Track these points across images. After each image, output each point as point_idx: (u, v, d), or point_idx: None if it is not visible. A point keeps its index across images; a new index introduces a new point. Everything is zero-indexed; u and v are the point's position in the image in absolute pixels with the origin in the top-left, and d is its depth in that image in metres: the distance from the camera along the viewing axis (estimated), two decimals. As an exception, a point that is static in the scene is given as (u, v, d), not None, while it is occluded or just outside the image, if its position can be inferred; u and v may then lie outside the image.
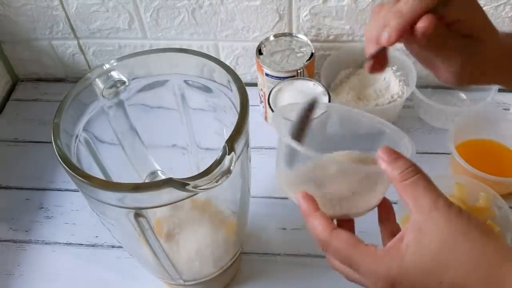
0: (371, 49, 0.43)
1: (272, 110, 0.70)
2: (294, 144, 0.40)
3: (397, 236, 0.39)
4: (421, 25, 0.40)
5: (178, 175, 0.42)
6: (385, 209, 0.45)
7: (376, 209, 0.45)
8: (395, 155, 0.39)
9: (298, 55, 0.76)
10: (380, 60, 0.45)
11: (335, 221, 0.45)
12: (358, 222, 0.46)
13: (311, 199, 0.42)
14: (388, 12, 0.41)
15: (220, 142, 0.44)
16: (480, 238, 0.37)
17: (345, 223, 0.46)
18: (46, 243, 0.71)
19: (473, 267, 0.36)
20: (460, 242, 0.36)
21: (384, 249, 0.39)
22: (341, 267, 0.42)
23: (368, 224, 0.45)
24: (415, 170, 0.39)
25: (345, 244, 0.40)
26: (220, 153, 0.43)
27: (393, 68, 0.80)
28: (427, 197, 0.38)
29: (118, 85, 0.55)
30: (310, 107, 0.44)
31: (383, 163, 0.39)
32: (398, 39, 0.41)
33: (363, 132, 0.48)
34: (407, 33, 0.40)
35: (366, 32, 0.44)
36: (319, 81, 0.73)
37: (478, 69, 0.45)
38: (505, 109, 0.82)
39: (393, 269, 0.38)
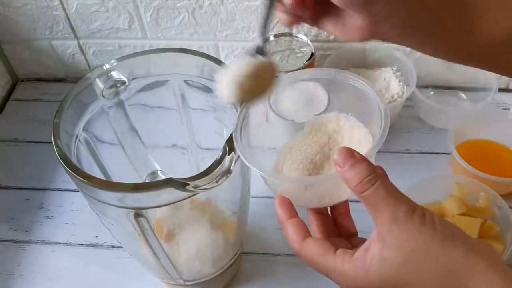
0: None
1: (273, 110, 0.70)
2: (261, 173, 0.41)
3: (364, 245, 0.38)
4: None
5: (178, 175, 0.42)
6: None
7: None
8: (352, 160, 0.37)
9: (298, 55, 0.76)
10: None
11: (329, 209, 0.46)
12: (358, 221, 0.46)
13: (286, 204, 0.42)
14: None
15: (220, 142, 0.44)
16: (444, 249, 0.35)
17: (340, 215, 0.46)
18: (46, 243, 0.71)
19: (438, 282, 0.35)
20: (422, 257, 0.35)
21: (351, 260, 0.38)
22: (312, 259, 0.42)
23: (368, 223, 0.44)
24: (374, 178, 0.36)
25: (314, 254, 0.40)
26: (220, 153, 0.43)
27: (393, 68, 0.80)
28: (387, 208, 0.36)
29: (118, 85, 0.55)
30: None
31: (340, 170, 0.37)
32: None
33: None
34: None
35: None
36: (319, 81, 0.73)
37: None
38: (505, 109, 0.82)
39: (359, 280, 0.37)
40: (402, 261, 0.35)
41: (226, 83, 0.41)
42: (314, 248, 0.40)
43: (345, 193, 0.43)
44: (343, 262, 0.38)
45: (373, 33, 0.38)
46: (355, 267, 0.37)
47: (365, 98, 0.44)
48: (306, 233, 0.41)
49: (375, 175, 0.36)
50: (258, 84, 0.42)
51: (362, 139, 0.45)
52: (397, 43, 0.39)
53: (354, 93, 0.45)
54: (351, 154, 0.37)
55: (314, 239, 0.41)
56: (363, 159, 0.37)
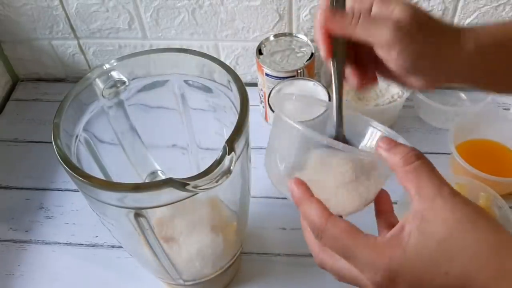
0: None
1: (272, 110, 0.70)
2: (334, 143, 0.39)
3: (397, 225, 0.36)
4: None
5: (178, 175, 0.42)
6: (382, 200, 0.43)
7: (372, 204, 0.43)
8: (395, 143, 0.38)
9: (298, 55, 0.76)
10: (363, 73, 0.45)
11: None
12: (357, 219, 0.46)
13: (304, 184, 0.40)
14: None
15: (220, 142, 0.44)
16: (488, 228, 0.34)
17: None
18: (46, 243, 0.71)
19: (481, 258, 0.34)
20: (467, 231, 0.34)
21: (384, 239, 0.36)
22: (333, 264, 0.40)
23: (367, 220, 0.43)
24: (418, 156, 0.37)
25: (342, 232, 0.37)
26: (220, 153, 0.43)
27: (393, 68, 0.80)
28: (430, 183, 0.35)
29: (118, 85, 0.55)
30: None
31: (383, 151, 0.38)
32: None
33: (360, 133, 0.47)
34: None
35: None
36: (319, 81, 0.73)
37: (440, 71, 0.44)
38: (505, 109, 0.82)
39: (395, 259, 0.35)
40: (445, 234, 0.34)
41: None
42: (343, 225, 0.37)
43: (360, 203, 0.42)
44: (376, 240, 0.36)
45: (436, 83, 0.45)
46: (390, 245, 0.36)
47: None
48: (330, 212, 0.38)
49: (419, 154, 0.37)
50: None
51: None
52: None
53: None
54: (392, 139, 0.39)
55: (342, 219, 0.38)
56: (403, 143, 0.38)
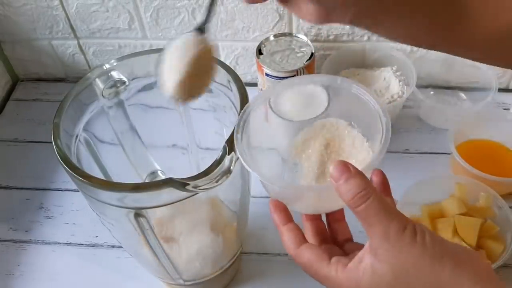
0: None
1: (272, 110, 0.70)
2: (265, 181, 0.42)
3: (358, 255, 0.38)
4: None
5: (178, 175, 0.42)
6: None
7: None
8: (346, 175, 0.37)
9: (298, 55, 0.76)
10: None
11: (323, 216, 0.46)
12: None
13: (281, 209, 0.43)
14: None
15: (220, 142, 0.44)
16: (432, 268, 0.35)
17: (335, 221, 0.45)
18: (46, 243, 0.71)
19: None
20: (411, 275, 0.36)
21: (344, 271, 0.38)
22: (308, 264, 0.42)
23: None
24: (367, 194, 0.36)
25: (308, 262, 0.40)
26: (220, 153, 0.43)
27: (393, 68, 0.80)
28: (379, 224, 0.36)
29: (118, 85, 0.55)
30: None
31: (334, 184, 0.37)
32: None
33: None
34: None
35: None
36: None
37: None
38: (505, 109, 0.82)
39: None
40: (391, 278, 0.36)
41: (168, 78, 0.41)
42: (309, 256, 0.40)
43: (341, 202, 0.43)
44: (337, 272, 0.39)
45: (327, 19, 0.39)
46: (348, 278, 0.38)
47: (368, 109, 0.44)
48: (302, 239, 0.42)
49: (368, 191, 0.36)
50: (200, 79, 0.43)
51: (358, 147, 0.45)
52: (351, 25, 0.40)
53: (356, 102, 0.45)
54: (346, 168, 0.37)
55: (309, 247, 0.41)
56: (357, 174, 0.37)
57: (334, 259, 0.40)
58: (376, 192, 0.37)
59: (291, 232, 0.42)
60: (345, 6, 0.38)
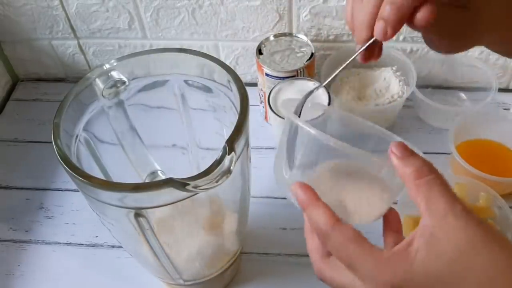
0: (363, 36, 0.41)
1: (272, 110, 0.70)
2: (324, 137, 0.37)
3: (405, 240, 0.35)
4: (422, 16, 0.37)
5: (178, 175, 0.42)
6: (391, 219, 0.41)
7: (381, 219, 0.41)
8: (409, 152, 0.36)
9: (298, 55, 0.76)
10: (374, 48, 0.42)
11: None
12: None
13: (309, 188, 0.39)
14: None
15: (220, 142, 0.44)
16: (501, 251, 0.33)
17: None
18: (46, 243, 0.71)
19: (492, 283, 0.32)
20: (478, 254, 0.33)
21: (389, 253, 0.35)
22: (333, 277, 0.39)
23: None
24: (431, 170, 0.35)
25: (348, 240, 0.36)
26: (220, 153, 0.43)
27: (393, 68, 0.80)
28: (443, 199, 0.34)
29: (118, 85, 0.55)
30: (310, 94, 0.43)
31: (395, 159, 0.36)
32: (395, 34, 0.39)
33: (362, 134, 0.46)
34: (403, 23, 0.38)
35: (355, 14, 0.41)
36: (319, 81, 0.73)
37: (475, 34, 0.43)
38: (505, 109, 0.82)
39: (398, 274, 0.34)
40: (455, 254, 0.33)
41: None
42: (350, 233, 0.36)
43: (380, 207, 0.40)
44: (382, 252, 0.35)
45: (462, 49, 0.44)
46: (395, 259, 0.34)
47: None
48: (337, 217, 0.37)
49: (432, 167, 0.35)
50: None
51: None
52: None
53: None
54: (407, 147, 0.36)
55: (349, 225, 0.37)
56: (418, 154, 0.36)
57: (375, 245, 0.36)
58: (440, 173, 0.36)
59: (325, 207, 0.37)
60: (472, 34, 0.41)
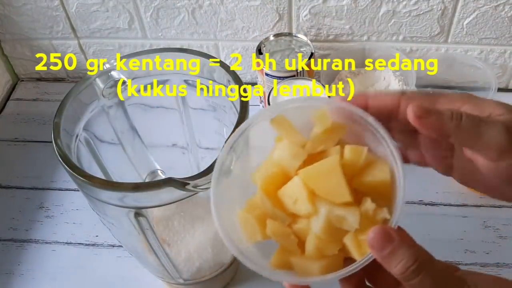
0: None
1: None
2: None
3: None
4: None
5: (178, 174, 0.42)
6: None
7: None
8: (391, 246, 0.31)
9: (298, 55, 0.76)
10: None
11: None
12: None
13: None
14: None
15: (220, 142, 0.45)
16: None
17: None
18: (46, 243, 0.71)
19: None
20: None
21: None
22: None
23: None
24: (419, 267, 0.31)
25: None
26: (220, 153, 0.43)
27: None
28: None
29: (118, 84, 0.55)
30: None
31: (378, 255, 0.31)
32: None
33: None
34: None
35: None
36: (319, 81, 0.73)
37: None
38: (504, 109, 0.82)
39: None
40: None
41: None
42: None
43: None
44: None
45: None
46: None
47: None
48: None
49: (420, 263, 0.31)
50: None
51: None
52: None
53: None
54: (388, 235, 0.31)
55: None
56: (402, 242, 0.31)
57: None
58: (428, 260, 0.32)
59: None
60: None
